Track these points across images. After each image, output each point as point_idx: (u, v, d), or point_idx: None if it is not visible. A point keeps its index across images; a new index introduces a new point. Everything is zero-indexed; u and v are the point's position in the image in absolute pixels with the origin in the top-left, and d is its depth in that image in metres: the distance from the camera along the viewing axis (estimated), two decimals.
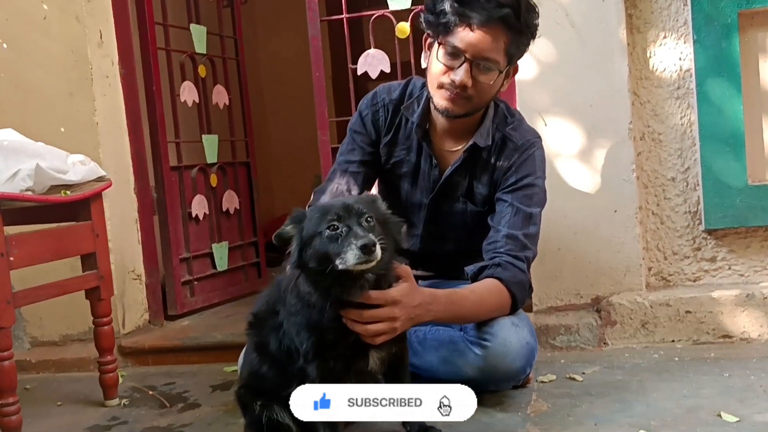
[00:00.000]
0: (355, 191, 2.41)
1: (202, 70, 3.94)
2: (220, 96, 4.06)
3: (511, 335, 2.23)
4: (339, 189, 2.41)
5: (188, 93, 3.79)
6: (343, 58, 3.32)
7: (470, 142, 2.35)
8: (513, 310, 2.28)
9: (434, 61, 2.22)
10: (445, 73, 2.19)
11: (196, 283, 3.80)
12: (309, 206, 2.37)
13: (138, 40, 3.60)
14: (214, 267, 3.96)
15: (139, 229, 3.53)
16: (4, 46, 3.31)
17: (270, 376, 2.06)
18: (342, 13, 3.32)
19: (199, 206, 3.84)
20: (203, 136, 3.93)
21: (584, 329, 2.89)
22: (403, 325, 1.94)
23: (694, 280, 2.99)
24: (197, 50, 3.89)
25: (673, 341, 2.84)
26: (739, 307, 2.79)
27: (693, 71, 2.88)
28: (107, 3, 3.41)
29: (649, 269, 3.02)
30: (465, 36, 2.13)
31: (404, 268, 1.99)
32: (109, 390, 2.72)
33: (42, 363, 3.31)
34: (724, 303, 2.81)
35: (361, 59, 3.29)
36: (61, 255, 2.56)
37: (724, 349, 2.75)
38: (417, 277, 2.52)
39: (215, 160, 3.98)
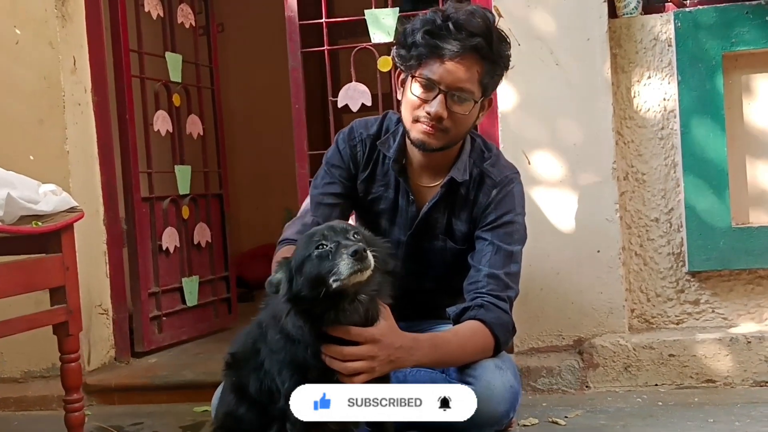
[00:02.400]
0: None
1: (176, 99, 3.96)
2: (194, 126, 4.08)
3: (495, 378, 2.23)
4: (314, 221, 2.42)
5: (162, 122, 3.81)
6: (314, 89, 3.36)
7: (447, 177, 2.38)
8: (496, 352, 2.30)
9: (408, 95, 2.26)
10: (419, 106, 2.22)
11: (164, 318, 3.78)
12: (280, 241, 2.39)
13: (112, 68, 3.61)
14: (184, 302, 3.94)
15: (107, 261, 3.51)
16: None
17: (248, 417, 2.06)
18: (315, 46, 3.39)
19: (170, 239, 3.83)
20: (176, 166, 3.94)
21: (566, 372, 2.93)
22: (382, 367, 1.95)
23: (677, 323, 3.05)
24: (172, 78, 3.92)
25: (656, 385, 2.89)
26: (722, 351, 2.85)
27: (677, 112, 2.97)
28: (82, 29, 3.43)
29: (632, 311, 3.07)
30: (438, 67, 2.17)
31: (385, 307, 2.01)
32: (74, 430, 2.68)
33: (2, 401, 3.27)
34: (707, 347, 2.87)
35: (342, 92, 3.34)
36: (29, 288, 2.54)
37: (708, 393, 2.80)
38: (395, 316, 2.60)
39: (188, 192, 3.99)
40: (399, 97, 2.38)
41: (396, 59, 2.33)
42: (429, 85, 2.21)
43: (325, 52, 3.37)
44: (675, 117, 2.98)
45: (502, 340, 2.28)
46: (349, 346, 1.89)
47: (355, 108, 3.33)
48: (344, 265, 1.75)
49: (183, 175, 3.96)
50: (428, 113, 2.21)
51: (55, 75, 3.27)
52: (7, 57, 3.29)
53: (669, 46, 2.99)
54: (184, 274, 3.95)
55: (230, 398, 2.12)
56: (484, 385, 2.22)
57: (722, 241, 2.94)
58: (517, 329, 2.99)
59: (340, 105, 3.35)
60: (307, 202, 2.52)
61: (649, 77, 3.02)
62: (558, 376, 2.93)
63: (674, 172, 3.02)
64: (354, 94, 3.32)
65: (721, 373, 2.86)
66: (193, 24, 4.11)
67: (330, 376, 1.91)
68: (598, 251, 2.98)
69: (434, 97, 2.21)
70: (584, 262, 2.99)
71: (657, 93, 3.02)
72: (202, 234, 4.08)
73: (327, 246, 1.79)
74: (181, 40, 4.04)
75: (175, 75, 3.94)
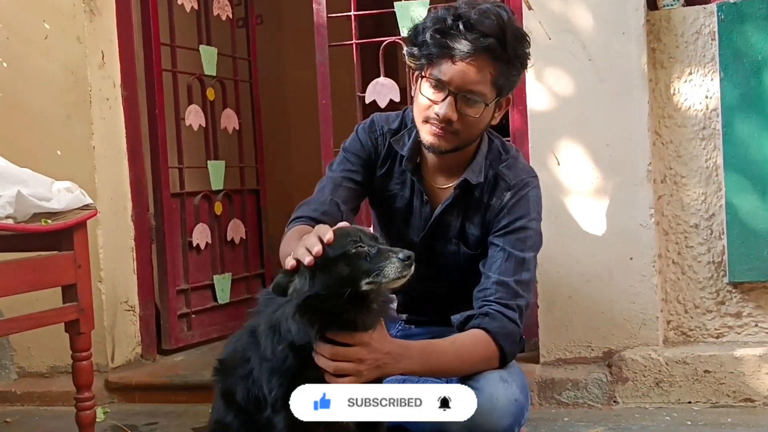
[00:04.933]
0: (344, 207, 2.43)
1: (210, 93, 4.04)
2: (229, 120, 4.16)
3: (498, 391, 2.21)
4: (332, 201, 2.42)
5: (194, 117, 3.89)
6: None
7: (461, 179, 2.37)
8: (503, 363, 2.28)
9: (419, 95, 2.25)
10: (429, 107, 2.21)
11: (194, 316, 3.88)
12: (293, 219, 2.40)
13: (143, 62, 3.72)
14: (216, 300, 4.03)
15: (134, 257, 3.63)
16: (4, 65, 3.45)
17: (235, 425, 2.10)
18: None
19: (200, 235, 3.92)
20: (209, 162, 4.02)
21: (593, 385, 2.88)
22: (369, 372, 1.96)
23: (717, 337, 2.97)
24: (206, 72, 4.00)
25: (689, 403, 2.82)
26: (763, 368, 2.76)
27: (720, 110, 2.88)
28: (111, 23, 3.54)
29: (668, 322, 3.00)
30: (448, 68, 2.15)
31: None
32: (85, 429, 2.76)
33: (27, 395, 3.41)
34: (746, 363, 2.78)
35: (369, 87, 3.36)
36: (39, 286, 2.64)
37: (744, 414, 2.72)
38: (410, 321, 2.61)
39: (221, 187, 4.07)
40: (413, 94, 2.39)
41: (407, 57, 2.33)
42: (439, 86, 2.20)
43: (354, 45, 3.40)
44: (717, 116, 2.89)
45: (507, 351, 2.25)
46: (338, 346, 1.91)
47: (383, 104, 3.34)
48: (393, 267, 1.78)
49: (216, 171, 4.04)
50: (437, 114, 2.21)
51: (82, 70, 3.39)
52: (37, 52, 3.42)
53: (712, 39, 2.89)
54: (216, 271, 4.04)
55: (219, 404, 2.17)
56: (487, 398, 2.19)
57: (766, 251, 2.84)
58: (544, 338, 3.02)
59: (367, 101, 3.37)
60: (322, 183, 2.53)
61: (690, 73, 2.94)
62: (584, 390, 2.89)
63: (716, 175, 2.93)
64: (382, 90, 3.33)
65: (761, 392, 2.76)
66: (230, 16, 4.17)
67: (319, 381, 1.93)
68: (631, 258, 2.92)
69: (444, 99, 2.20)
70: (616, 269, 2.93)
71: (699, 90, 2.94)
72: (236, 230, 4.16)
73: (365, 248, 1.82)
74: (217, 33, 4.11)
75: (210, 68, 4.01)
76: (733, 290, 2.95)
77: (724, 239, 2.90)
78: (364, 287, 1.80)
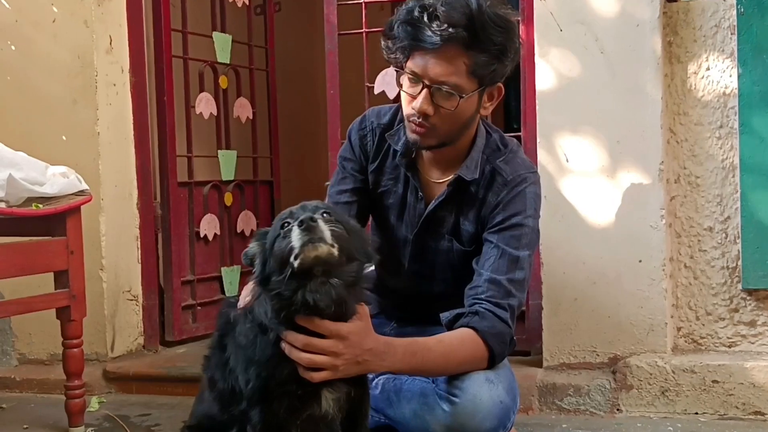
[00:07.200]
0: None
1: (223, 81, 4.08)
2: (242, 109, 4.19)
3: (482, 392, 2.21)
4: None
5: (205, 105, 3.93)
6: None
7: (455, 175, 2.37)
8: (491, 364, 2.28)
9: (401, 91, 2.27)
10: (410, 102, 2.23)
11: (199, 308, 3.92)
12: None
13: (153, 48, 3.77)
14: (223, 292, 4.07)
15: (139, 246, 3.68)
16: (13, 48, 3.53)
17: (219, 416, 2.14)
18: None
19: (208, 226, 3.96)
20: (219, 151, 4.06)
21: (595, 392, 2.86)
22: (347, 367, 1.95)
23: (729, 346, 2.92)
24: (219, 60, 4.04)
25: (696, 413, 2.78)
26: None
27: (737, 108, 2.83)
28: (121, 8, 3.59)
29: (678, 329, 2.96)
30: (420, 61, 2.16)
31: (363, 308, 2.03)
32: (74, 417, 2.83)
33: (26, 382, 3.48)
34: (757, 374, 2.73)
35: (378, 78, 3.37)
36: (30, 271, 2.70)
37: (752, 427, 2.67)
38: (404, 321, 2.62)
39: (232, 178, 4.11)
40: None
41: (384, 53, 2.33)
42: (414, 79, 2.22)
43: (363, 34, 3.41)
44: (735, 114, 2.84)
45: (496, 351, 2.25)
46: (311, 337, 1.89)
47: (392, 95, 3.34)
48: (295, 237, 1.75)
49: (227, 161, 4.08)
50: (413, 108, 2.22)
51: (89, 55, 3.45)
52: (44, 36, 3.49)
53: (732, 33, 2.84)
54: (224, 263, 4.08)
55: (206, 394, 2.20)
56: (470, 399, 2.20)
57: None
58: (548, 342, 3.00)
59: (376, 92, 3.38)
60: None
61: (708, 68, 2.89)
62: (586, 396, 2.86)
63: (732, 176, 2.88)
64: (391, 81, 3.33)
65: None
66: (247, 3, 4.21)
67: (300, 379, 1.93)
68: (640, 261, 2.88)
69: (420, 92, 2.21)
70: (624, 272, 2.90)
71: (717, 86, 2.88)
72: (246, 222, 4.20)
73: (290, 224, 1.80)
74: (233, 20, 4.16)
75: (223, 56, 4.05)
76: (748, 297, 2.89)
77: (739, 244, 2.86)
78: (295, 264, 1.76)
